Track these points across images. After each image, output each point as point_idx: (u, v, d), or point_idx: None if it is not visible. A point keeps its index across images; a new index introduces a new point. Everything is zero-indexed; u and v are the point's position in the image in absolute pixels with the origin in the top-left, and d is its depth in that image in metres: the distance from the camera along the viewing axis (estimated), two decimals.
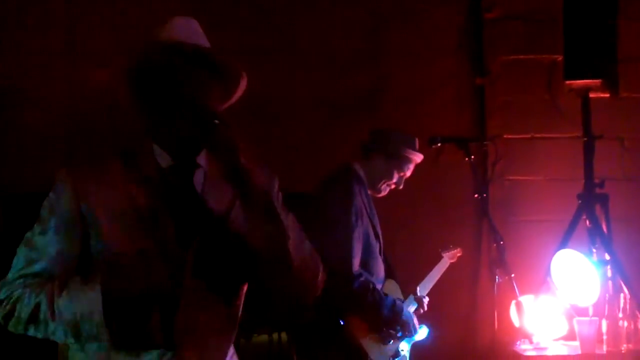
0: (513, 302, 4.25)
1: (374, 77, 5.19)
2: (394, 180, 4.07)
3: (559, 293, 4.36)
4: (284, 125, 5.04)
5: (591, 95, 4.54)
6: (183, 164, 2.31)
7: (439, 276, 4.37)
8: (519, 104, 5.14)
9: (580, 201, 4.49)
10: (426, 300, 4.19)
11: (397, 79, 5.20)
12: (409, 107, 5.13)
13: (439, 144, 4.32)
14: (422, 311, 4.15)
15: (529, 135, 5.13)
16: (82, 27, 5.09)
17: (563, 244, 4.44)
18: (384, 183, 4.08)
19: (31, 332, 2.21)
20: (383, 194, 4.13)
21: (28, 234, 2.29)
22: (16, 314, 2.20)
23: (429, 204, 5.02)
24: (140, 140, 2.35)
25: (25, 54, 5.03)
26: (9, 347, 4.52)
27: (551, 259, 4.39)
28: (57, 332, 2.18)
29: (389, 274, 4.17)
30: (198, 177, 2.32)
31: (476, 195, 4.25)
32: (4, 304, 2.22)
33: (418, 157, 4.07)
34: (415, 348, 4.26)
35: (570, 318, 4.28)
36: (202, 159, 2.33)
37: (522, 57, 5.20)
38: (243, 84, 2.39)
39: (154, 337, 2.19)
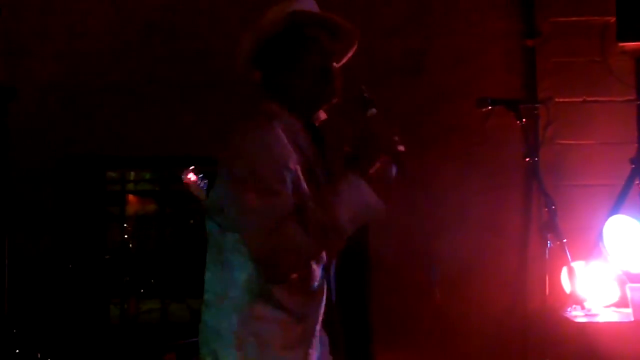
0: (564, 267, 4.18)
1: (421, 37, 5.12)
2: None
3: (611, 259, 4.29)
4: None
5: None
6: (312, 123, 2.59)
7: None
8: (570, 67, 5.03)
9: (633, 165, 4.42)
10: None
11: (444, 40, 5.12)
12: (456, 69, 5.06)
13: (489, 107, 4.24)
14: None
15: (580, 99, 5.03)
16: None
17: (615, 209, 4.38)
18: None
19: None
20: None
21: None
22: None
23: (478, 166, 4.96)
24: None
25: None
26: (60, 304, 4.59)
27: (603, 224, 4.32)
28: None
29: None
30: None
31: (527, 159, 4.17)
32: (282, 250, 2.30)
33: None
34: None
35: (622, 284, 4.22)
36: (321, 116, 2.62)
37: (573, 18, 5.09)
38: (355, 45, 2.69)
39: None
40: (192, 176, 3.86)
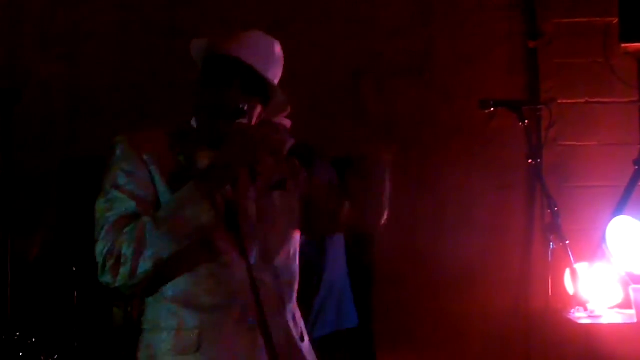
0: (567, 269, 4.18)
1: (424, 39, 5.12)
2: None
3: (615, 260, 4.29)
4: (334, 92, 4.99)
5: None
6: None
7: None
8: (573, 68, 5.03)
9: (636, 167, 4.42)
10: None
11: (447, 41, 5.12)
12: (459, 70, 5.06)
13: (492, 108, 4.24)
14: None
15: (583, 100, 5.03)
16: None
17: (618, 210, 4.37)
18: None
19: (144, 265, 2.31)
20: None
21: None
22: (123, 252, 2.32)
23: (481, 168, 4.96)
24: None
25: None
26: (65, 310, 4.59)
27: (606, 225, 4.32)
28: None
29: None
30: None
31: (530, 161, 4.17)
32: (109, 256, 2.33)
33: None
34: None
35: (625, 286, 4.21)
36: None
37: (576, 19, 5.09)
38: (286, 111, 2.69)
39: None
40: None
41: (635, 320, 4.04)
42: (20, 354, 3.85)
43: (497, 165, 4.96)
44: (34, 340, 3.93)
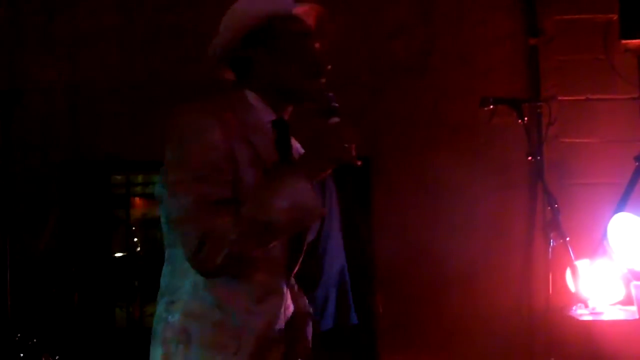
0: (568, 266, 4.18)
1: (425, 38, 5.12)
2: None
3: (616, 257, 4.28)
4: (334, 92, 4.98)
5: None
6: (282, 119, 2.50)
7: None
8: (573, 65, 5.03)
9: (637, 163, 4.42)
10: None
11: (448, 40, 5.13)
12: (461, 69, 5.06)
13: (492, 106, 4.25)
14: None
15: (583, 97, 5.03)
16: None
17: (620, 207, 4.37)
18: None
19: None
20: None
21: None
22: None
23: (482, 166, 4.96)
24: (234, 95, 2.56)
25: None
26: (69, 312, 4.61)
27: (607, 222, 4.31)
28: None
29: None
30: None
31: (530, 158, 4.17)
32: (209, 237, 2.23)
33: None
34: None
35: (627, 282, 4.21)
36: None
37: (576, 16, 5.09)
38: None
39: None
40: None
41: (636, 316, 4.03)
42: (22, 354, 3.86)
43: (497, 162, 4.96)
44: (35, 340, 3.94)
